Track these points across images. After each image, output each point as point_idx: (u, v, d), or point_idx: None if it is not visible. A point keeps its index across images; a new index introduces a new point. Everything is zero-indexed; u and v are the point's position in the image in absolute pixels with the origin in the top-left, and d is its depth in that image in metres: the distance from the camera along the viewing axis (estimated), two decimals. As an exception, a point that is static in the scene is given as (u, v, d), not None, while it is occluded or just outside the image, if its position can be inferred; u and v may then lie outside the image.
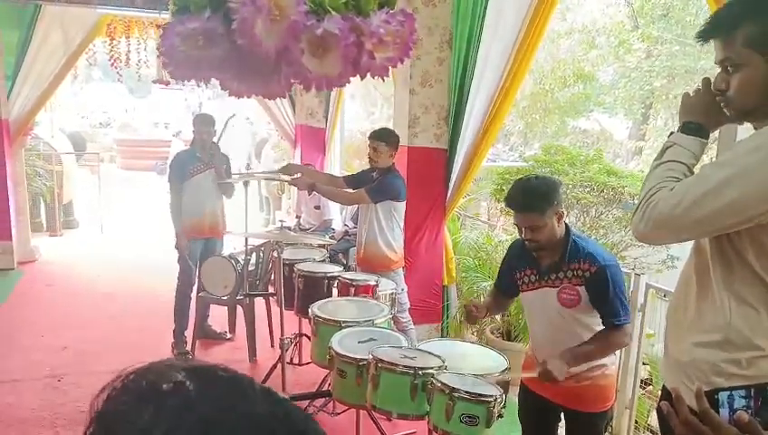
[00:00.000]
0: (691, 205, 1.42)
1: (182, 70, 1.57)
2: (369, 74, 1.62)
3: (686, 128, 1.58)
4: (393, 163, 3.96)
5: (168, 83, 7.80)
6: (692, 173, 1.54)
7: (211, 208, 4.61)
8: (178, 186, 4.51)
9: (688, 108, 1.60)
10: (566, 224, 2.36)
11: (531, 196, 2.27)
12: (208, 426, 0.45)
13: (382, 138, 3.91)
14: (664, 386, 1.73)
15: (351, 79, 1.64)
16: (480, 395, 2.17)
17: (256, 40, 1.46)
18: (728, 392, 1.06)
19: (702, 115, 1.57)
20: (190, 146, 4.66)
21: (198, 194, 4.52)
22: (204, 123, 4.58)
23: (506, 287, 2.63)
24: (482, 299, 3.43)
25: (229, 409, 0.47)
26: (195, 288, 4.60)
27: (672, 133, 1.61)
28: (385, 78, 1.68)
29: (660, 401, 1.77)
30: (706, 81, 1.58)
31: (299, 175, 4.22)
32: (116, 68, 7.58)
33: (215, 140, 4.61)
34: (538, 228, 2.26)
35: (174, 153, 4.70)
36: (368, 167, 4.13)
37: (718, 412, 1.03)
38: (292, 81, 1.59)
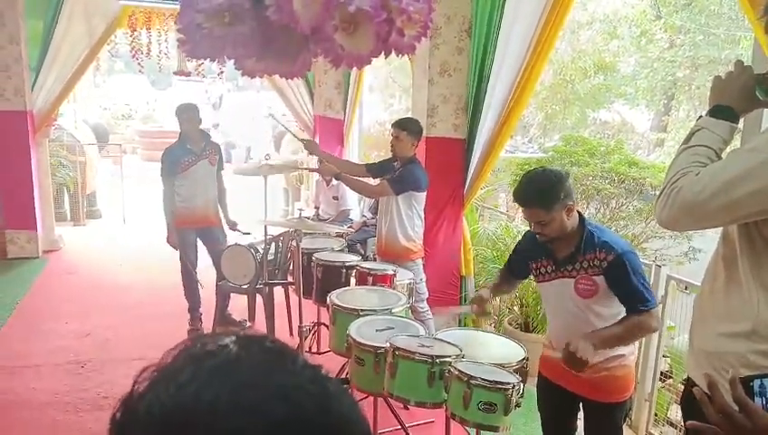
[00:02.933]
0: (717, 191, 1.38)
1: (202, 48, 1.57)
2: (394, 52, 1.62)
3: (715, 111, 1.53)
4: (415, 153, 3.96)
5: (188, 74, 7.87)
6: (719, 158, 1.50)
7: (205, 198, 4.68)
8: (171, 180, 4.57)
9: (719, 91, 1.55)
10: (581, 215, 2.34)
11: (534, 192, 2.25)
12: (239, 389, 0.46)
13: (404, 126, 3.91)
14: (689, 376, 1.71)
15: (375, 57, 1.63)
16: (498, 383, 2.17)
17: (294, 16, 1.46)
18: (760, 380, 1.05)
19: (733, 99, 1.52)
20: (179, 138, 4.67)
21: (194, 186, 4.59)
22: (188, 111, 4.59)
23: (516, 271, 2.64)
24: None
25: (264, 377, 0.48)
26: (198, 270, 4.80)
27: (701, 117, 1.57)
28: (410, 56, 1.67)
29: (685, 390, 1.74)
30: (739, 63, 1.54)
31: (318, 162, 4.22)
32: (137, 59, 7.65)
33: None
34: (546, 223, 2.24)
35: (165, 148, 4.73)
36: (387, 157, 4.13)
37: (753, 400, 1.02)
38: (324, 58, 1.59)
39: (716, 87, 1.57)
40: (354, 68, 1.72)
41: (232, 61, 1.71)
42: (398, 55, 1.64)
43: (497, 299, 4.81)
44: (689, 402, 1.66)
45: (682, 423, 3.54)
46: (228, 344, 0.50)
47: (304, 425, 0.47)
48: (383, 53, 1.62)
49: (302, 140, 4.54)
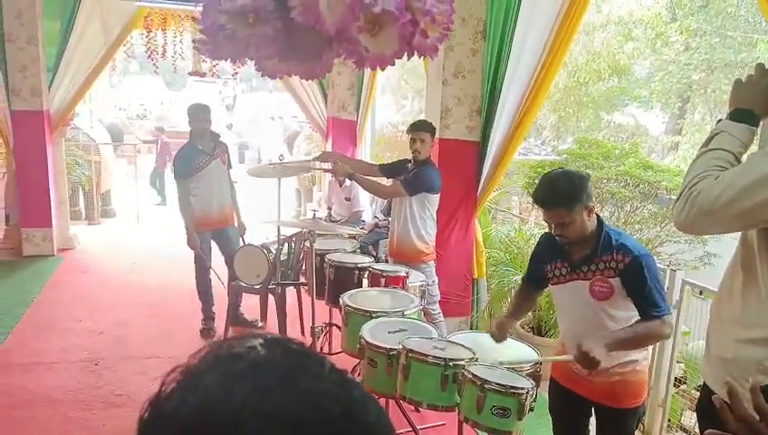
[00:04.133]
0: (735, 196, 1.37)
1: (224, 49, 1.57)
2: (417, 53, 1.61)
3: (735, 115, 1.53)
4: (429, 155, 3.95)
5: (203, 75, 7.91)
6: (739, 162, 1.49)
7: (220, 198, 4.68)
8: (185, 182, 4.55)
9: (740, 94, 1.55)
10: (598, 217, 2.32)
11: (556, 192, 2.22)
12: (262, 393, 0.46)
13: (427, 128, 3.89)
14: (705, 383, 1.69)
15: (398, 59, 1.63)
16: (512, 387, 2.16)
17: (320, 17, 1.45)
18: None
19: (754, 102, 1.52)
20: (189, 138, 4.65)
21: (210, 186, 4.59)
22: (201, 112, 4.59)
23: (536, 280, 2.60)
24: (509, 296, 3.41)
25: (287, 380, 0.48)
26: (211, 271, 4.80)
27: (720, 120, 1.57)
28: (433, 56, 1.65)
29: (701, 397, 1.72)
30: (760, 67, 1.53)
31: (332, 163, 4.22)
32: (152, 60, 7.70)
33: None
34: (567, 224, 2.22)
35: (177, 150, 4.70)
36: (399, 157, 4.12)
37: None
38: (347, 59, 1.59)
39: (737, 90, 1.56)
40: (376, 69, 1.71)
41: (251, 62, 1.71)
42: (420, 57, 1.64)
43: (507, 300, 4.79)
44: (706, 409, 1.64)
45: (695, 430, 3.52)
46: (256, 346, 0.51)
47: (326, 430, 0.47)
48: (406, 54, 1.61)
49: (314, 159, 4.53)
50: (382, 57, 1.55)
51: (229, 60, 1.66)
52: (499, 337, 2.57)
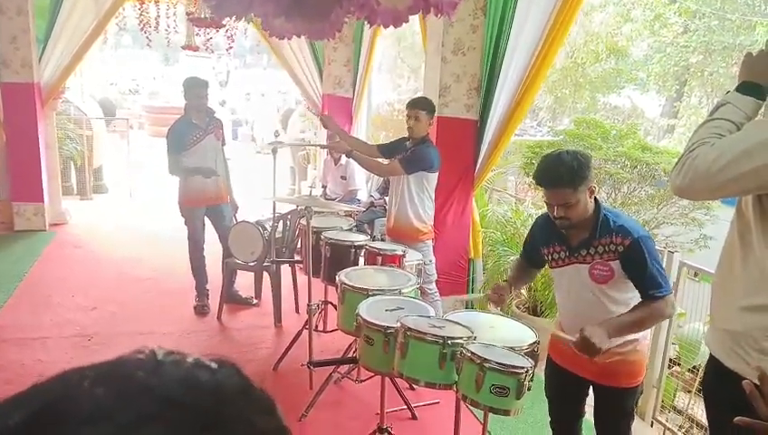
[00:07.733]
0: (729, 162, 1.40)
1: (229, 4, 1.50)
2: (433, 10, 1.54)
3: (743, 87, 1.55)
4: (428, 133, 3.91)
5: (197, 49, 7.78)
6: None
7: (213, 175, 4.61)
8: (178, 157, 4.47)
9: (750, 68, 1.57)
10: (596, 198, 2.29)
11: (562, 171, 2.17)
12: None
13: (422, 106, 3.85)
14: (711, 355, 1.70)
15: (413, 15, 1.56)
16: (512, 366, 2.15)
17: None
18: None
19: (763, 76, 1.54)
20: (184, 113, 4.56)
21: (203, 162, 4.51)
22: (198, 87, 4.50)
23: (533, 259, 2.59)
24: (505, 276, 3.40)
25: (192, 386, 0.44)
26: (204, 246, 4.76)
27: (729, 92, 1.60)
28: (451, 15, 1.57)
29: (707, 368, 1.74)
30: None
31: (331, 138, 4.17)
32: (145, 33, 7.55)
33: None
34: (570, 205, 2.18)
35: (171, 124, 4.61)
36: (396, 137, 4.07)
37: None
38: (358, 16, 1.52)
39: (747, 64, 1.58)
40: (389, 27, 1.60)
41: (246, 34, 1.64)
42: (437, 15, 1.56)
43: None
44: (714, 387, 1.66)
45: (688, 411, 3.54)
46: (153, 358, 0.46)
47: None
48: (422, 10, 1.54)
49: (321, 118, 4.47)
50: (396, 12, 1.48)
51: (235, 16, 1.59)
52: (496, 300, 2.57)
